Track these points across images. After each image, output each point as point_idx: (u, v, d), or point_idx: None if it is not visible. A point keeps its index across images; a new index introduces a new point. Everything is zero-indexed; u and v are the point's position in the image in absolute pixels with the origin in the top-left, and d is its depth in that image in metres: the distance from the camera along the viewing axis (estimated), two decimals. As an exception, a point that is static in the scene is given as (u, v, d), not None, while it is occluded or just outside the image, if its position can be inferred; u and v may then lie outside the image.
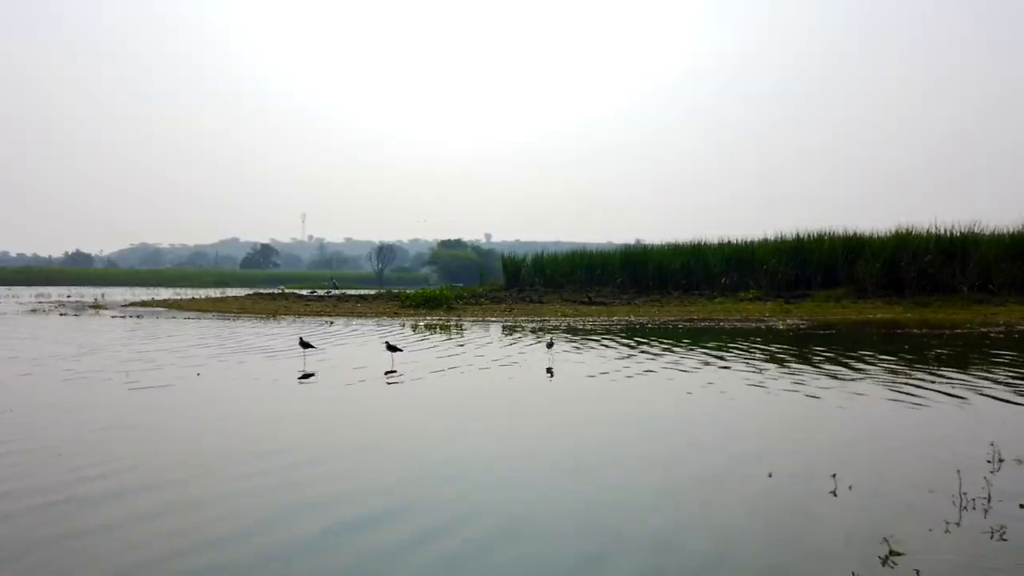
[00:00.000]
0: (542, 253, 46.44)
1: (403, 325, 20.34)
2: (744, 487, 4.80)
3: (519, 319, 22.56)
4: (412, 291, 31.24)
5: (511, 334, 17.02)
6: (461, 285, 47.89)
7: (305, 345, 11.54)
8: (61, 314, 24.38)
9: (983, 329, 17.43)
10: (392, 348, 11.28)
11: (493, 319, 22.70)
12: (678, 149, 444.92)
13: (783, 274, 33.21)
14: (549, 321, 21.63)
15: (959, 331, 16.96)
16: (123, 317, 23.11)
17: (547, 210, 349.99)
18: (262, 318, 23.17)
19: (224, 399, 8.37)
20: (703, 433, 6.57)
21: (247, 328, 18.86)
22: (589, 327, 19.02)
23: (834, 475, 4.79)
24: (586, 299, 32.30)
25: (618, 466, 5.38)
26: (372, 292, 43.54)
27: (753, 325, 19.33)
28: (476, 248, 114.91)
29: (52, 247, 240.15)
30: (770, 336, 16.02)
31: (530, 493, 4.71)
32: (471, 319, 22.74)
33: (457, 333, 17.53)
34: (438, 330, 18.49)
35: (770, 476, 4.97)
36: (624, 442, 6.21)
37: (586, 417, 7.36)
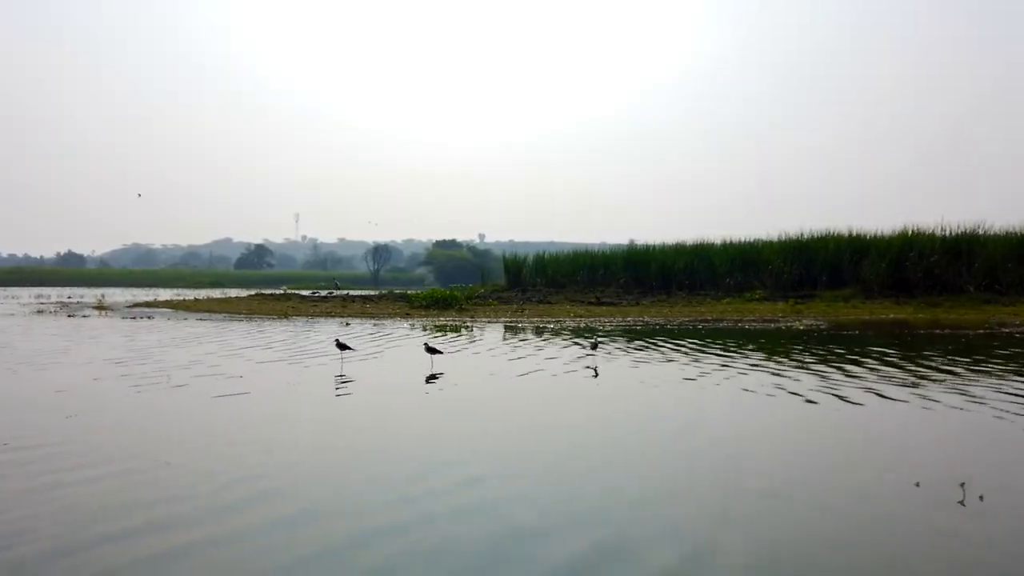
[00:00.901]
0: (543, 253, 46.17)
1: (416, 326, 20.06)
2: (885, 500, 4.57)
3: (533, 320, 22.34)
4: (422, 292, 30.98)
5: (538, 336, 16.77)
6: (467, 285, 47.53)
7: (342, 347, 11.26)
8: (69, 315, 23.91)
9: (1005, 330, 17.37)
10: (432, 350, 11.02)
11: (506, 319, 22.47)
12: (676, 149, 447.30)
13: (788, 274, 33.15)
14: (564, 322, 21.42)
15: (982, 332, 16.89)
16: (133, 319, 22.69)
17: (541, 210, 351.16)
18: (273, 319, 22.81)
19: (319, 404, 8.02)
20: (809, 444, 6.24)
21: (277, 329, 18.49)
22: (609, 328, 18.81)
23: (962, 484, 4.59)
24: (594, 299, 32.14)
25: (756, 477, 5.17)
26: (374, 293, 43.16)
27: (772, 326, 19.19)
28: (472, 248, 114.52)
29: (43, 247, 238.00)
30: (802, 338, 15.85)
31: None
32: (485, 320, 22.49)
33: (482, 334, 17.28)
34: (461, 331, 18.23)
35: (918, 486, 4.73)
36: (737, 452, 6.00)
37: (693, 429, 7.12)
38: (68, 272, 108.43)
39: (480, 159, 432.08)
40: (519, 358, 11.92)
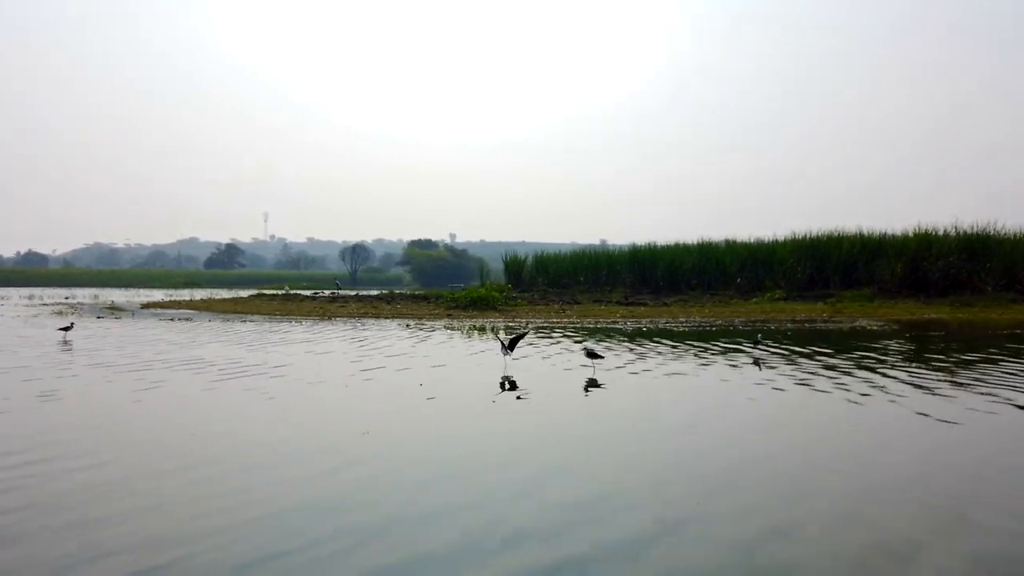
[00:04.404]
0: (542, 253, 45.57)
1: (477, 328, 19.04)
2: None
3: (585, 320, 21.50)
4: (458, 291, 29.88)
5: (629, 339, 15.92)
6: (462, 286, 46.36)
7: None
8: (98, 316, 22.10)
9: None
10: (593, 355, 10.12)
11: (556, 320, 21.56)
12: (650, 152, 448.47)
13: (802, 274, 33.06)
14: (622, 323, 20.65)
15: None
16: (170, 320, 21.09)
17: (512, 211, 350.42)
18: (318, 319, 21.44)
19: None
20: None
21: (383, 334, 17.20)
22: (682, 330, 18.09)
23: None
24: (622, 299, 31.49)
25: None
26: (375, 293, 41.76)
27: (847, 327, 18.70)
28: (450, 248, 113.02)
29: (1, 246, 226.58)
30: (904, 339, 15.41)
31: None
32: (539, 320, 21.52)
33: (564, 337, 16.32)
34: (549, 336, 17.25)
35: None
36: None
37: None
38: (34, 272, 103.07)
39: (450, 159, 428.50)
40: (666, 361, 11.03)
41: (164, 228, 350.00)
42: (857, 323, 19.57)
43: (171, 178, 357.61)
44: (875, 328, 17.97)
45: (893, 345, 13.62)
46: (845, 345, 13.57)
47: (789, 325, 19.18)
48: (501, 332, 10.84)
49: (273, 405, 7.55)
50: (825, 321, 20.64)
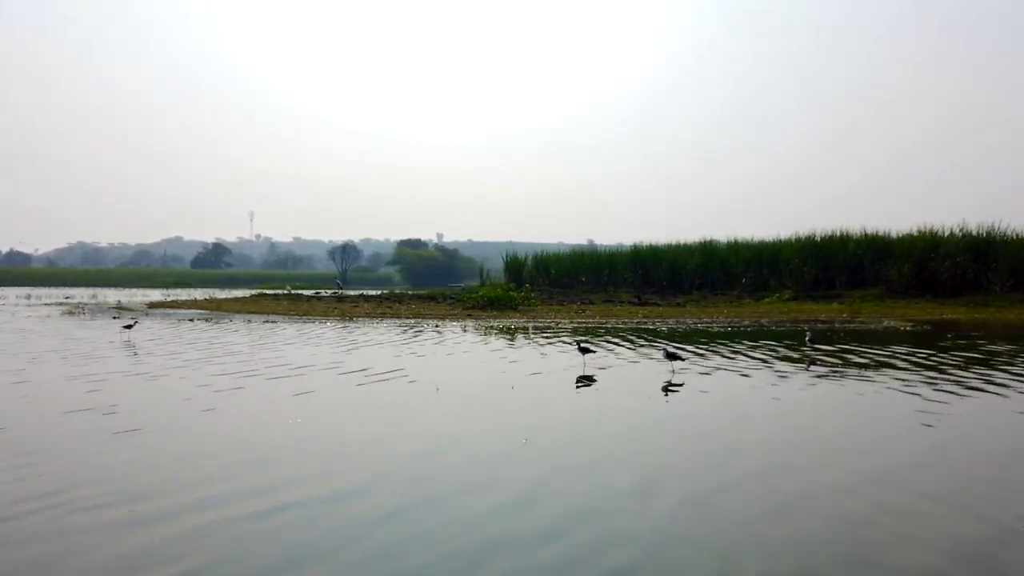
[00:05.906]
0: (542, 253, 45.22)
1: (505, 329, 18.60)
2: None
3: (609, 321, 21.13)
4: (464, 291, 29.44)
5: (681, 341, 15.57)
6: (461, 286, 45.80)
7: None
8: (114, 317, 21.32)
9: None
10: (672, 356, 9.75)
11: (580, 321, 21.16)
12: (636, 152, 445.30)
13: (809, 274, 32.97)
14: (652, 323, 20.30)
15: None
16: (191, 320, 20.39)
17: (497, 211, 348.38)
18: (339, 319, 20.86)
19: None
20: None
21: (428, 334, 16.69)
22: (717, 330, 17.79)
23: None
24: (635, 299, 31.21)
25: None
26: (376, 293, 41.15)
27: (880, 327, 18.47)
28: (441, 248, 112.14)
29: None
30: (949, 339, 15.21)
31: None
32: (563, 320, 21.12)
33: (619, 342, 15.93)
34: (600, 338, 16.85)
35: None
36: None
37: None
38: (19, 271, 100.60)
39: (440, 159, 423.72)
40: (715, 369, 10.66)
41: (148, 227, 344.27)
42: (884, 324, 19.40)
43: (155, 176, 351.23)
44: (909, 328, 17.80)
45: (961, 344, 13.40)
46: (904, 345, 13.31)
47: (819, 326, 18.96)
48: (580, 343, 10.55)
49: (452, 411, 7.22)
50: (849, 322, 20.45)
